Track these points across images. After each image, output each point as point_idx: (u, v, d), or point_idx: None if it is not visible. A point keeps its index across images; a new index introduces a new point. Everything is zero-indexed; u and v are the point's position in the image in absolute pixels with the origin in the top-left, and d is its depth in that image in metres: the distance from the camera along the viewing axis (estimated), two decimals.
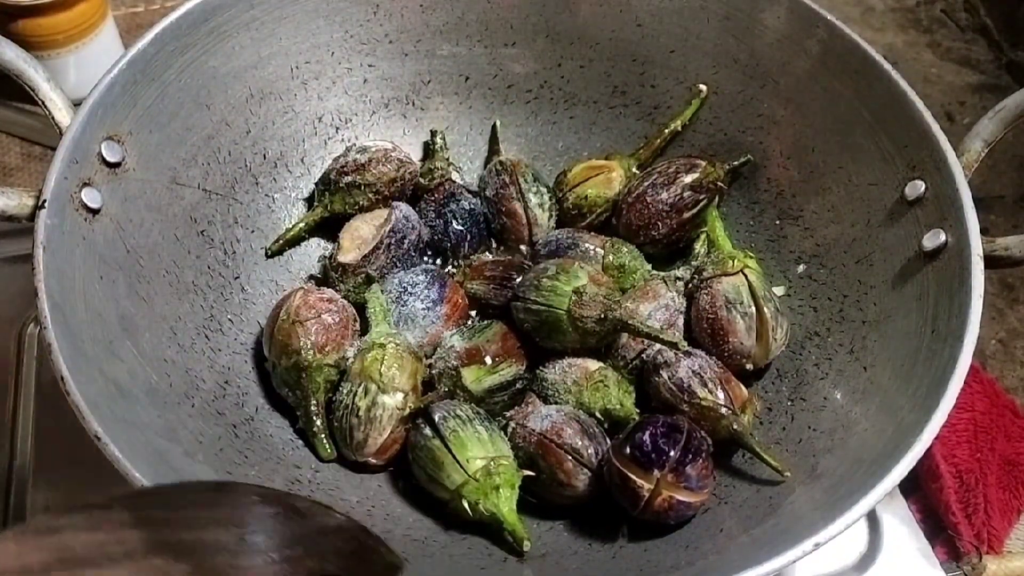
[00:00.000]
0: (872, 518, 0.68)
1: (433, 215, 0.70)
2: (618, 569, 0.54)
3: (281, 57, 0.69)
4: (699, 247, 0.70)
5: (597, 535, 0.57)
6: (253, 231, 0.69)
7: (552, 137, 0.77)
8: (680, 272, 0.68)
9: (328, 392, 0.61)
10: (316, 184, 0.71)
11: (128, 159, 0.59)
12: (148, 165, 0.61)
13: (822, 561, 0.65)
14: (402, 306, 0.64)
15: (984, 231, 0.56)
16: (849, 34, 0.64)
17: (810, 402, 0.60)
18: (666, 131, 0.73)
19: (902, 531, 0.68)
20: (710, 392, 0.58)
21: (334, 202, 0.69)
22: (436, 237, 0.70)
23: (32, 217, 0.53)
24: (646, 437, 0.54)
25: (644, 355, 0.63)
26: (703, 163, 0.69)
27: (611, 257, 0.67)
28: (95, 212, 0.56)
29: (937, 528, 0.69)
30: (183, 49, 0.63)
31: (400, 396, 0.59)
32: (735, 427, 0.58)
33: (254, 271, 0.68)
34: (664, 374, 0.60)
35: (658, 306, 0.64)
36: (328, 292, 0.64)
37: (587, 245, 0.68)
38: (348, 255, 0.67)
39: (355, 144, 0.71)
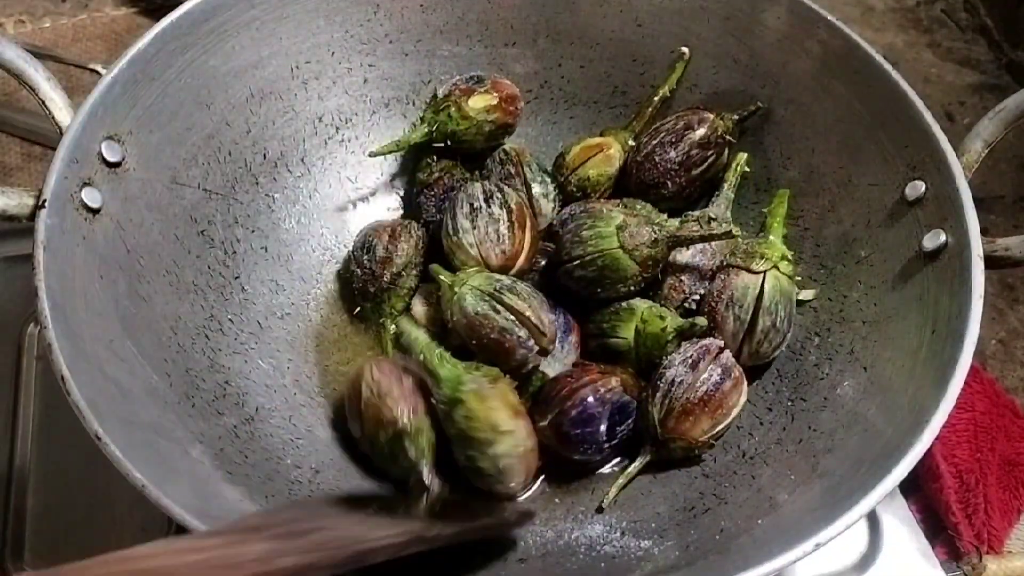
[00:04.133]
0: (872, 518, 0.68)
1: (433, 210, 0.70)
2: (619, 569, 0.54)
3: (281, 57, 0.69)
4: (728, 186, 0.70)
5: (598, 535, 0.57)
6: (253, 231, 0.69)
7: (552, 137, 0.77)
8: (712, 211, 0.69)
9: (434, 451, 0.58)
10: (427, 103, 0.72)
11: (128, 159, 0.59)
12: (148, 165, 0.61)
13: (822, 561, 0.65)
14: None
15: (984, 231, 0.56)
16: (849, 34, 0.64)
17: (810, 402, 0.60)
18: (655, 99, 0.73)
19: (902, 531, 0.68)
20: (656, 408, 0.59)
21: (439, 123, 0.70)
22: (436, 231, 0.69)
23: (32, 217, 0.53)
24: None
25: (689, 299, 0.65)
26: (711, 116, 0.69)
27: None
28: (95, 212, 0.56)
29: (937, 528, 0.69)
30: (183, 49, 0.63)
31: (512, 438, 0.57)
32: (646, 449, 0.61)
33: (254, 271, 0.68)
34: (664, 362, 0.61)
35: (696, 249, 0.66)
36: (390, 360, 0.63)
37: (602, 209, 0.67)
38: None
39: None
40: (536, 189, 0.70)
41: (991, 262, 0.55)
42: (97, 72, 0.89)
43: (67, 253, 0.54)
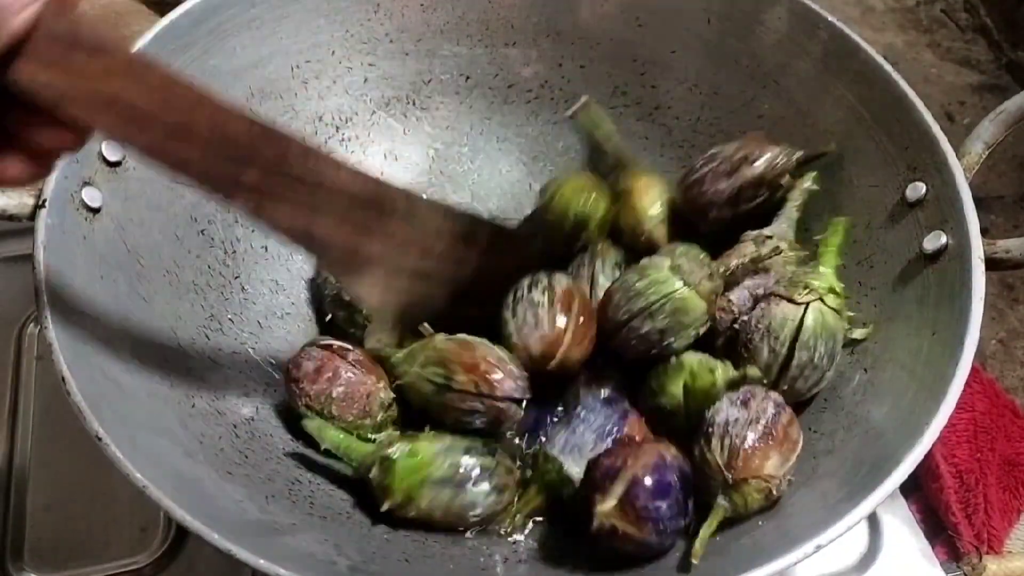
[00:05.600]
0: (872, 518, 0.68)
1: None
2: (619, 572, 0.54)
3: (281, 56, 0.69)
4: (792, 206, 0.65)
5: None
6: (253, 230, 0.68)
7: (552, 137, 0.77)
8: (769, 230, 0.64)
9: None
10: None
11: (129, 158, 0.59)
12: (148, 164, 0.61)
13: (823, 561, 0.65)
14: (570, 433, 0.58)
15: (984, 231, 0.56)
16: (849, 35, 0.64)
17: (811, 404, 0.60)
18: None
19: (902, 531, 0.68)
20: (719, 447, 0.53)
21: None
22: None
23: (32, 216, 0.53)
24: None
25: (739, 319, 0.60)
26: (774, 151, 0.64)
27: None
28: (95, 211, 0.56)
29: (937, 528, 0.69)
30: (184, 48, 0.63)
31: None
32: (711, 491, 0.53)
33: (254, 271, 0.68)
34: (719, 406, 0.55)
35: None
36: None
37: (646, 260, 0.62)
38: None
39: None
40: (601, 279, 0.65)
41: (991, 264, 0.55)
42: None
43: (67, 253, 0.54)
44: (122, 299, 0.57)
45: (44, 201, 0.53)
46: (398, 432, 0.59)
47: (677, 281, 0.58)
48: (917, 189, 0.59)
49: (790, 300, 0.58)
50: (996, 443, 0.73)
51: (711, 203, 0.65)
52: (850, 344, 0.60)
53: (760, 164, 0.64)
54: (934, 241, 0.57)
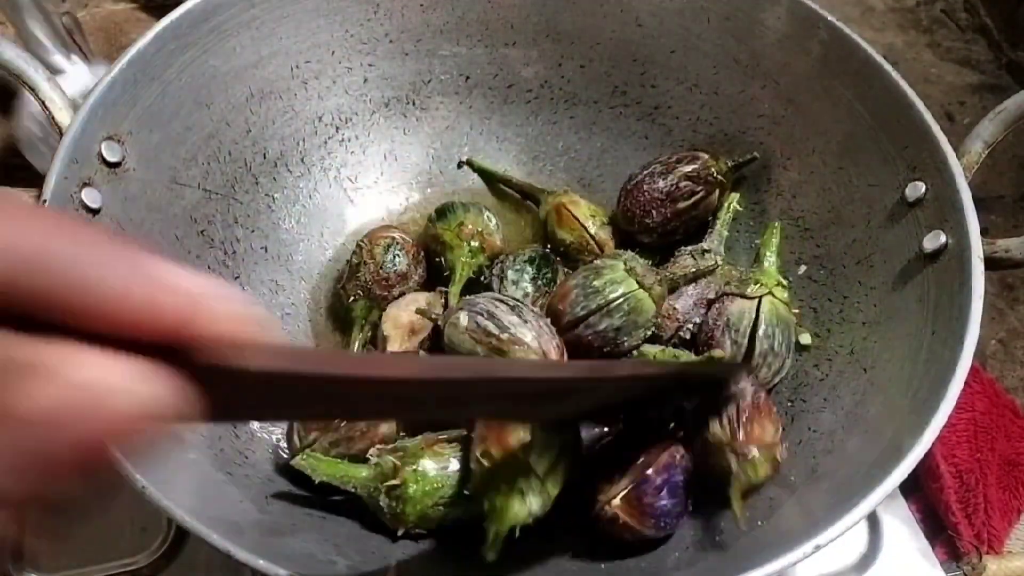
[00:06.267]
0: (872, 518, 0.68)
1: None
2: (619, 570, 0.54)
3: (281, 56, 0.69)
4: (721, 224, 0.70)
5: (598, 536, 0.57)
6: (253, 231, 0.69)
7: (552, 137, 0.77)
8: (705, 244, 0.69)
9: None
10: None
11: (128, 159, 0.59)
12: (148, 165, 0.61)
13: (823, 561, 0.65)
14: None
15: (984, 231, 0.56)
16: (849, 34, 0.64)
17: (810, 403, 0.60)
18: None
19: (902, 531, 0.68)
20: (720, 425, 0.55)
21: None
22: None
23: None
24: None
25: (683, 327, 0.64)
26: (705, 155, 0.70)
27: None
28: (95, 212, 0.56)
29: (937, 528, 0.69)
30: (183, 48, 0.63)
31: None
32: (727, 466, 0.54)
33: (254, 271, 0.68)
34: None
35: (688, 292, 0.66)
36: None
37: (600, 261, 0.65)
38: (395, 344, 0.64)
39: None
40: (511, 274, 0.67)
41: (991, 263, 0.55)
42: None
43: None
44: None
45: (44, 201, 0.53)
46: (385, 444, 0.57)
47: (633, 282, 0.60)
48: (917, 188, 0.59)
49: (743, 296, 0.63)
50: (996, 443, 0.73)
51: (651, 200, 0.69)
52: (801, 349, 0.64)
53: (694, 164, 0.69)
54: (934, 240, 0.57)
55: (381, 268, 0.67)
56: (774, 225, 0.69)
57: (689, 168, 0.69)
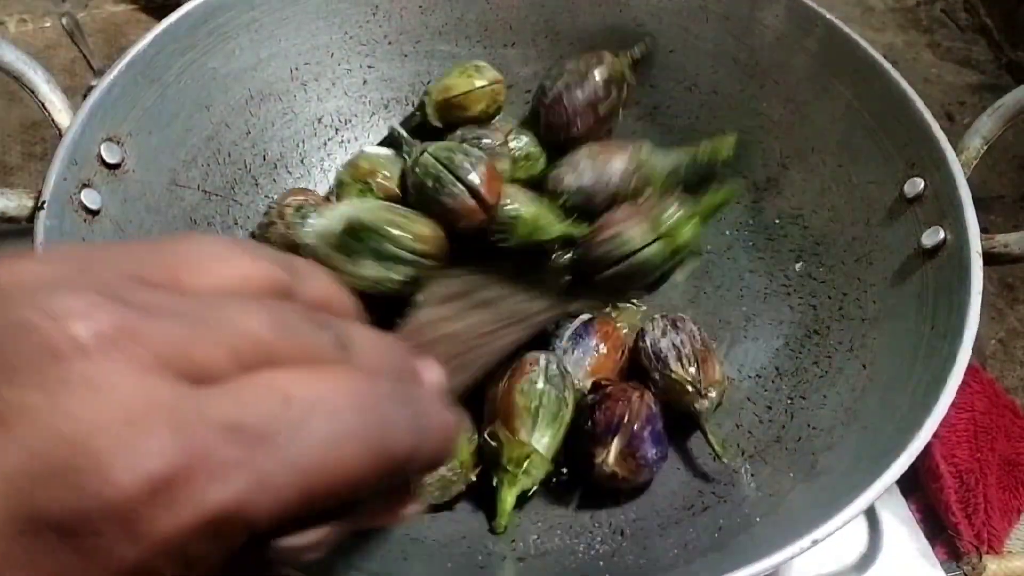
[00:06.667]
0: (872, 518, 0.68)
1: None
2: (617, 568, 0.54)
3: (281, 58, 0.69)
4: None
5: (596, 535, 0.57)
6: (252, 232, 0.69)
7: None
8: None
9: None
10: None
11: (128, 160, 0.59)
12: (148, 166, 0.61)
13: (822, 561, 0.65)
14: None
15: (984, 231, 0.56)
16: (848, 33, 0.64)
17: (810, 400, 0.60)
18: None
19: (902, 531, 0.67)
20: (682, 367, 0.60)
21: None
22: None
23: (31, 218, 0.53)
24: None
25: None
26: (608, 55, 0.71)
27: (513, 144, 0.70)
28: (94, 213, 0.56)
29: (937, 528, 0.69)
30: (183, 50, 0.63)
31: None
32: (695, 406, 0.59)
33: None
34: (648, 340, 0.62)
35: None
36: None
37: (487, 140, 0.69)
38: None
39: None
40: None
41: (990, 259, 0.55)
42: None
43: None
44: None
45: (43, 203, 0.53)
46: None
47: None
48: (915, 185, 0.59)
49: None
50: (996, 443, 0.73)
51: (576, 111, 0.69)
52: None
53: (605, 66, 0.70)
54: (932, 237, 0.57)
55: (290, 229, 0.63)
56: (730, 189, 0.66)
57: (603, 74, 0.70)
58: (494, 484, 0.56)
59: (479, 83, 0.70)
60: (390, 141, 0.71)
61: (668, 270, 0.65)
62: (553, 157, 0.71)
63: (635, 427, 0.56)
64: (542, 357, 0.59)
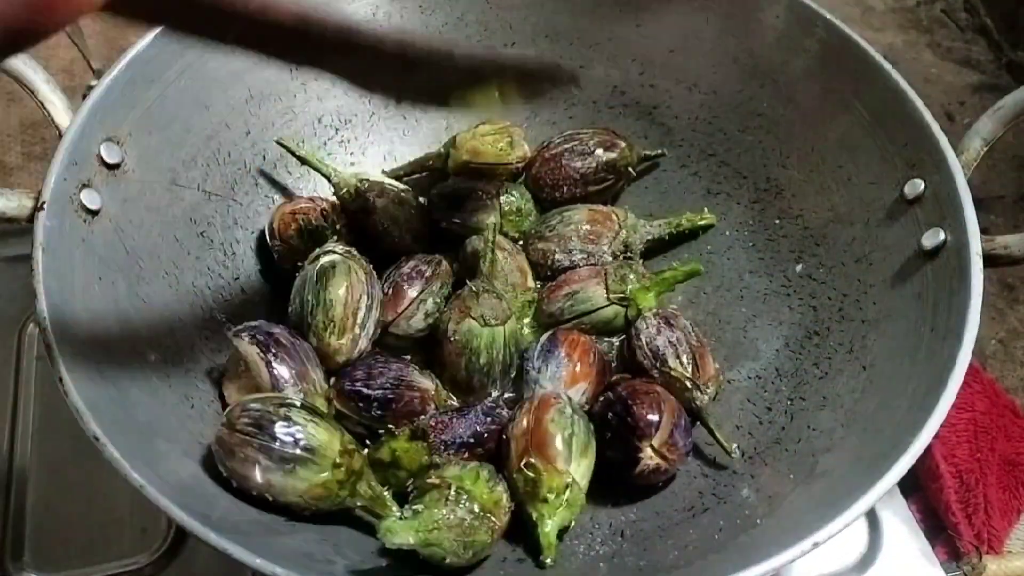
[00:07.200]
0: (872, 518, 0.68)
1: None
2: (617, 569, 0.54)
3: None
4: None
5: (596, 536, 0.57)
6: (253, 232, 0.69)
7: (552, 137, 0.77)
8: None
9: None
10: None
11: (127, 160, 0.59)
12: (147, 166, 0.61)
13: (823, 561, 0.65)
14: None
15: (984, 231, 0.56)
16: (848, 33, 0.64)
17: (809, 401, 0.60)
18: None
19: (902, 531, 0.68)
20: (680, 364, 0.61)
21: None
22: None
23: (31, 219, 0.53)
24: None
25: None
26: (623, 144, 0.72)
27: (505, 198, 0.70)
28: (94, 213, 0.56)
29: (937, 528, 0.69)
30: (182, 51, 0.63)
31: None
32: (696, 401, 0.60)
33: (254, 272, 0.68)
34: (644, 339, 0.63)
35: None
36: None
37: (480, 192, 0.70)
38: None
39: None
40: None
41: (990, 260, 0.55)
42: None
43: (66, 255, 0.54)
44: (121, 301, 0.57)
45: (43, 203, 0.53)
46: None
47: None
48: (915, 186, 0.59)
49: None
50: (996, 443, 0.73)
51: (566, 178, 0.71)
52: None
53: (612, 152, 0.71)
54: (932, 238, 0.57)
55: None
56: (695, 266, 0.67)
57: (608, 157, 0.71)
58: (534, 519, 0.53)
59: (508, 159, 0.71)
60: None
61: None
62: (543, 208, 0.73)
63: (674, 418, 0.57)
64: (558, 395, 0.58)
